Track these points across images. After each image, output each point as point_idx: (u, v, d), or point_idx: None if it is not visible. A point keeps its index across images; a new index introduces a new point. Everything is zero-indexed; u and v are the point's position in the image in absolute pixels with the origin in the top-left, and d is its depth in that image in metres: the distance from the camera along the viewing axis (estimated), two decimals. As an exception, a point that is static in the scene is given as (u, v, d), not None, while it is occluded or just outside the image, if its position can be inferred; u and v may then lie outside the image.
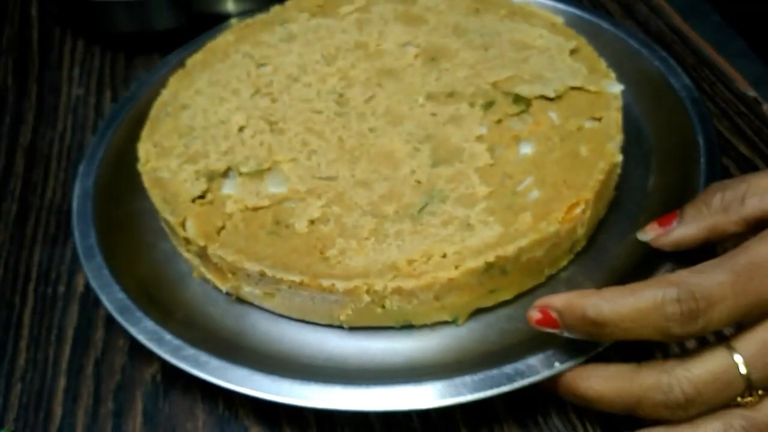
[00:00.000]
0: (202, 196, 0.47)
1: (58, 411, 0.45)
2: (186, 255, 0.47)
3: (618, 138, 0.47)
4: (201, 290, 0.47)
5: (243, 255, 0.43)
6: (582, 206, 0.43)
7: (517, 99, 0.50)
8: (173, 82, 0.56)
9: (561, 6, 0.59)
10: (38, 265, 0.53)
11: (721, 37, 0.67)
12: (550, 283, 0.45)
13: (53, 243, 0.54)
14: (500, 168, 0.46)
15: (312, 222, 0.45)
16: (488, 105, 0.50)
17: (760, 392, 0.35)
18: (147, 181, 0.48)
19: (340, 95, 0.53)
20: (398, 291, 0.41)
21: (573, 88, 0.50)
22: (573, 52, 0.53)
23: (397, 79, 0.53)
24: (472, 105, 0.50)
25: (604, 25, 0.57)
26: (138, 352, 0.46)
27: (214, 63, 0.57)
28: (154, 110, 0.54)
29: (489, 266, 0.41)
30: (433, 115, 0.50)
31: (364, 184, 0.46)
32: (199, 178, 0.48)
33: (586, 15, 0.59)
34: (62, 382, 0.46)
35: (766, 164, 0.53)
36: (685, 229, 0.40)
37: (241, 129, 0.51)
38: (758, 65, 0.64)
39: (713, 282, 0.34)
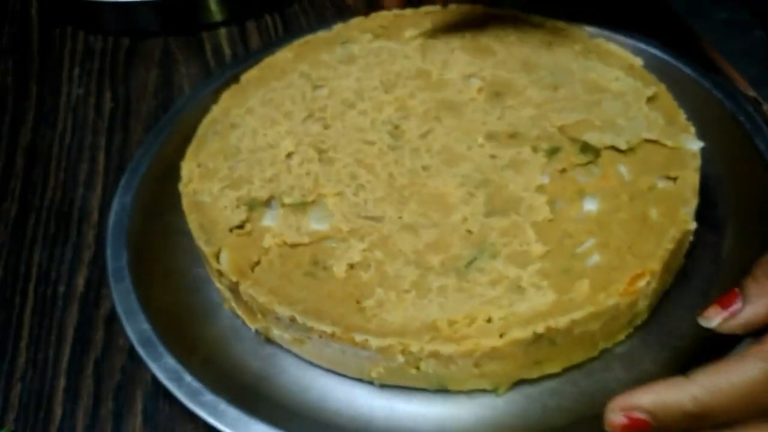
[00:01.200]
0: (240, 226, 0.45)
1: (58, 411, 0.44)
2: (218, 285, 0.45)
3: (693, 203, 0.43)
4: (230, 324, 0.45)
5: (275, 297, 0.40)
6: (647, 278, 0.39)
7: (585, 148, 0.47)
8: (226, 97, 0.54)
9: (641, 45, 0.55)
10: (38, 265, 0.52)
11: (722, 37, 0.63)
12: (604, 358, 0.41)
13: (53, 243, 0.53)
14: (560, 225, 0.43)
15: (351, 266, 0.42)
16: (553, 151, 0.47)
17: None
18: (186, 205, 0.46)
19: (395, 127, 0.50)
20: (435, 355, 0.38)
21: (647, 141, 0.46)
22: (650, 99, 0.49)
23: (457, 113, 0.50)
24: (535, 150, 0.47)
25: (687, 71, 0.53)
26: (138, 352, 0.44)
27: (270, 80, 0.55)
28: (203, 127, 0.52)
29: (537, 337, 0.38)
30: (492, 157, 0.47)
31: (411, 228, 0.43)
32: (239, 206, 0.46)
33: (667, 57, 0.55)
34: (62, 382, 0.46)
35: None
36: (754, 308, 0.36)
37: (289, 155, 0.49)
38: (758, 65, 0.60)
39: None
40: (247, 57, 0.59)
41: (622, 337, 0.42)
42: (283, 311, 0.40)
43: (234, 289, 0.42)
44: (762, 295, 0.36)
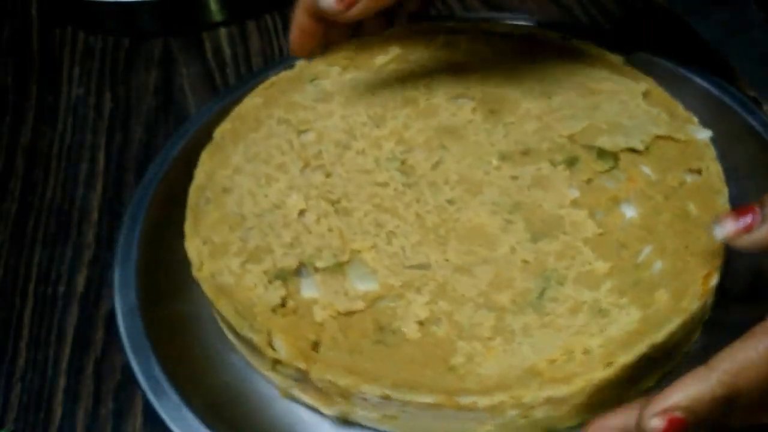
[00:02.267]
0: (282, 304, 0.40)
1: (58, 411, 0.45)
2: (271, 375, 0.41)
3: (725, 190, 0.44)
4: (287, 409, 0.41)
5: (358, 376, 0.37)
6: (716, 276, 0.40)
7: (602, 153, 0.46)
8: (205, 159, 0.49)
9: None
10: (38, 265, 0.52)
11: (722, 37, 0.66)
12: (685, 361, 0.41)
13: (53, 243, 0.54)
14: (611, 237, 0.42)
15: (421, 323, 0.39)
16: (571, 162, 0.46)
17: None
18: (209, 291, 0.41)
19: (402, 162, 0.47)
20: (549, 400, 0.36)
21: (659, 137, 0.47)
22: (645, 95, 0.49)
23: (460, 137, 0.48)
24: (553, 163, 0.46)
25: (663, 63, 0.54)
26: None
27: (247, 133, 0.50)
28: (192, 197, 0.46)
29: (641, 358, 0.37)
30: (514, 178, 0.46)
31: (464, 270, 0.41)
32: (272, 281, 0.41)
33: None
34: (62, 382, 0.46)
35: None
36: None
37: (301, 213, 0.45)
38: (758, 65, 0.63)
39: None
40: (212, 102, 0.55)
41: (696, 337, 0.42)
42: (373, 390, 0.37)
43: (302, 377, 0.38)
44: None
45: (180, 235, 0.44)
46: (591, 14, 0.66)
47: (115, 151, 0.59)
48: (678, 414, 0.32)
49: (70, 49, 0.69)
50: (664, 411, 0.32)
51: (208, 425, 0.38)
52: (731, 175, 0.46)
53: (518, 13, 0.66)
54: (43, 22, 0.72)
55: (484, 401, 0.36)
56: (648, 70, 0.52)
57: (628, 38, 0.57)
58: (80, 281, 0.51)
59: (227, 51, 0.67)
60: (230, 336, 0.43)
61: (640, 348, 0.37)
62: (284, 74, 0.54)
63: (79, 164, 0.58)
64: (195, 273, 0.42)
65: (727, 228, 0.36)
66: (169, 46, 0.68)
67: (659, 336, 0.37)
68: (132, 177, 0.57)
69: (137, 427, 0.43)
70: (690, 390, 0.32)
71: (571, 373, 0.36)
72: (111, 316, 0.42)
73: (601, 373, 0.36)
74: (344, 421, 0.40)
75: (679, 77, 0.53)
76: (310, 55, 0.53)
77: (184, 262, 0.43)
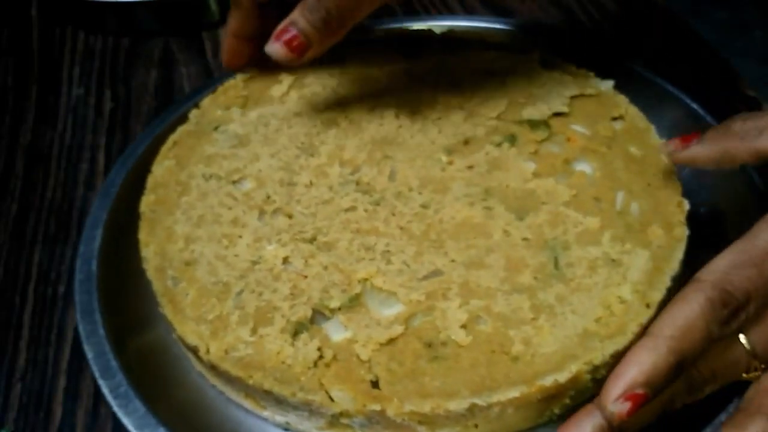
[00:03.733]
0: (320, 356, 0.38)
1: (58, 411, 0.45)
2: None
3: (651, 127, 0.48)
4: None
5: (437, 398, 0.36)
6: (686, 202, 0.44)
7: (533, 124, 0.49)
8: (146, 237, 0.44)
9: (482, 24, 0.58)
10: (38, 265, 0.52)
11: (722, 37, 0.67)
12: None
13: (53, 243, 0.54)
14: (585, 194, 0.44)
15: (465, 326, 0.39)
16: (512, 139, 0.48)
17: (762, 366, 0.37)
18: (237, 369, 0.37)
19: (357, 183, 0.46)
20: (616, 355, 0.37)
21: (572, 97, 0.50)
22: (540, 62, 0.53)
23: (399, 145, 0.48)
24: (497, 145, 0.48)
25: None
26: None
27: (176, 198, 0.46)
28: (156, 282, 0.41)
29: (669, 291, 0.40)
30: (470, 167, 0.46)
31: (474, 264, 0.41)
32: (296, 337, 0.38)
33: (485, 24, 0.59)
34: (62, 382, 0.46)
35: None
36: (701, 148, 0.41)
37: (285, 260, 0.42)
38: (758, 65, 0.67)
39: (743, 277, 0.35)
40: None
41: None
42: (458, 404, 0.35)
43: (376, 419, 0.36)
44: (713, 140, 0.41)
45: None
46: (590, 14, 0.68)
47: (115, 151, 0.59)
48: (639, 390, 0.33)
49: (70, 49, 0.69)
50: (626, 391, 0.33)
51: None
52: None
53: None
54: (43, 22, 0.72)
55: (563, 376, 0.36)
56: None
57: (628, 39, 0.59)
58: (80, 281, 0.51)
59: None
60: (267, 411, 0.39)
61: (665, 282, 0.40)
62: (182, 129, 0.50)
63: (79, 164, 0.59)
64: (211, 359, 0.38)
65: (670, 147, 0.42)
66: (169, 46, 0.68)
67: (675, 267, 0.40)
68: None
69: (138, 426, 0.43)
70: (643, 364, 0.34)
71: (621, 324, 0.38)
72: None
73: (645, 315, 0.38)
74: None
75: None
76: (243, 70, 0.53)
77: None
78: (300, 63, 0.45)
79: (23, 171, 0.59)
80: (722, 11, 0.78)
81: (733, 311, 0.35)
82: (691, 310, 0.35)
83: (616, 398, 0.33)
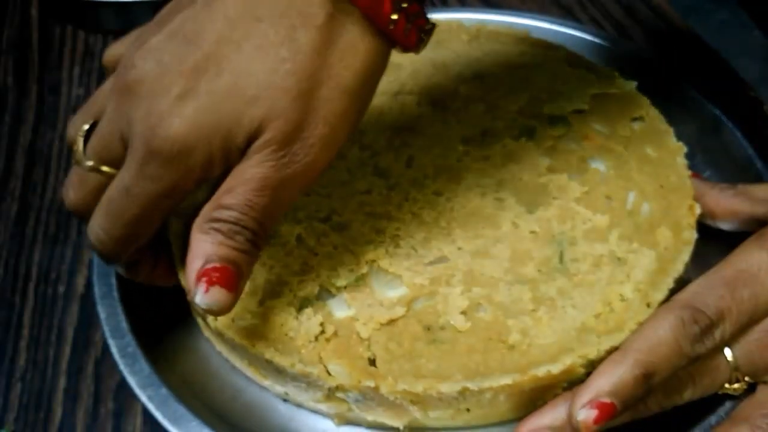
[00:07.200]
0: (322, 330, 0.39)
1: (58, 411, 0.45)
2: (322, 405, 0.39)
3: (670, 130, 0.48)
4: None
5: (431, 378, 0.37)
6: (697, 206, 0.44)
7: (553, 119, 0.49)
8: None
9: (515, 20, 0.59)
10: (38, 265, 0.53)
11: (722, 37, 0.67)
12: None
13: (53, 243, 0.54)
14: (596, 192, 0.45)
15: (465, 313, 0.40)
16: (530, 133, 0.49)
17: (746, 378, 0.38)
18: (239, 337, 0.39)
19: (375, 167, 0.47)
20: (611, 351, 0.38)
21: (595, 95, 0.50)
22: (566, 60, 0.53)
23: (419, 133, 0.49)
24: (514, 138, 0.48)
25: (560, 29, 0.58)
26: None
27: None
28: (175, 248, 0.43)
29: (672, 292, 0.40)
30: (486, 158, 0.47)
31: (480, 253, 0.42)
32: (301, 310, 0.40)
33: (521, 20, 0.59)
34: (62, 382, 0.46)
35: (765, 164, 0.50)
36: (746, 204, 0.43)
37: (298, 239, 0.43)
38: (758, 65, 0.66)
39: (715, 296, 0.37)
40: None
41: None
42: (450, 387, 0.37)
43: (370, 395, 0.37)
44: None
45: None
46: (591, 14, 0.69)
47: None
48: (605, 399, 0.34)
49: (70, 48, 0.69)
50: (591, 400, 0.35)
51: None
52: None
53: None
54: (43, 22, 0.72)
55: (556, 367, 0.37)
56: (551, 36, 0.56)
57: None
58: (80, 281, 0.51)
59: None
60: (268, 380, 0.40)
61: (668, 283, 0.40)
62: None
63: (79, 164, 0.59)
64: (213, 324, 0.40)
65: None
66: (169, 46, 0.68)
67: (679, 269, 0.41)
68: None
69: (137, 427, 0.44)
70: (611, 375, 0.35)
71: (619, 321, 0.39)
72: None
73: (644, 314, 0.39)
74: (410, 429, 0.39)
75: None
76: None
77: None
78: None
79: (23, 171, 0.59)
80: (722, 11, 0.76)
81: (706, 328, 0.36)
82: (660, 326, 0.36)
83: (582, 405, 0.34)
